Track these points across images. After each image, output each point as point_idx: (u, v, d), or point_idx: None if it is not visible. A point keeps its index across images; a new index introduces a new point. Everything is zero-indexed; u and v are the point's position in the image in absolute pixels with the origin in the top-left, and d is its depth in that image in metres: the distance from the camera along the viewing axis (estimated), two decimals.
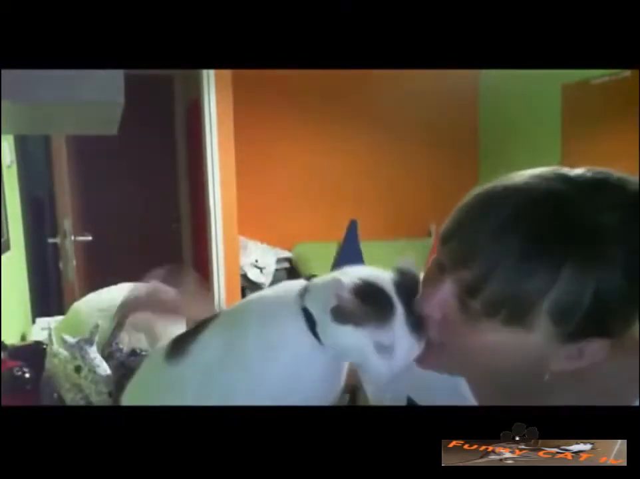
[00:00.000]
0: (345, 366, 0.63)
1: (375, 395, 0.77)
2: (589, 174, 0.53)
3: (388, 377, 0.57)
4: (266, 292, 0.67)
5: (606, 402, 0.55)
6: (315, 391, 0.61)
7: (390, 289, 0.56)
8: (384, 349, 0.55)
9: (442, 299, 0.55)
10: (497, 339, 0.53)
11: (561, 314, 0.50)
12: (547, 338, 0.52)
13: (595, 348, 0.52)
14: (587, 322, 0.50)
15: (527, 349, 0.53)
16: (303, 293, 0.60)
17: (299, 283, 0.62)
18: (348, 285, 0.55)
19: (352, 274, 0.58)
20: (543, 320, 0.50)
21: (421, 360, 0.58)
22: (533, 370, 0.55)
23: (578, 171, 0.53)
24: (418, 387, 0.70)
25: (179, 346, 0.65)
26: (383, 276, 0.58)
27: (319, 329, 0.57)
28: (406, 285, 0.58)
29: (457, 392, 0.67)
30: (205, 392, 0.61)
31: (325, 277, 0.61)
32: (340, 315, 0.55)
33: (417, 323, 0.55)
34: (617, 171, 0.53)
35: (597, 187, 0.51)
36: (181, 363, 0.63)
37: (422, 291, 0.58)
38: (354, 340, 0.55)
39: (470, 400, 0.66)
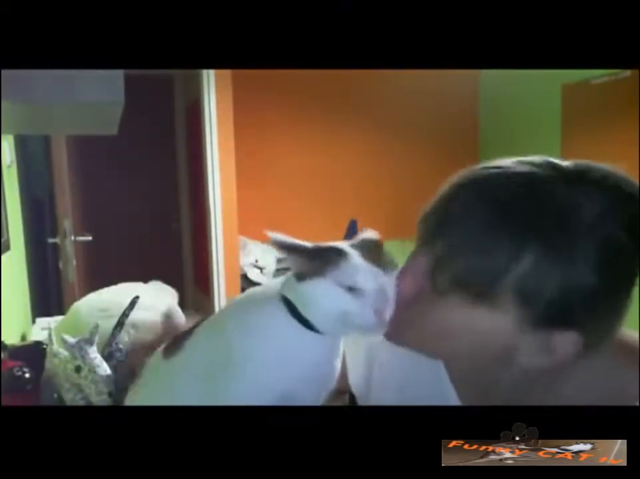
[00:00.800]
0: (338, 352, 0.63)
1: (368, 356, 0.75)
2: (572, 165, 0.52)
3: (373, 320, 0.55)
4: (256, 287, 0.69)
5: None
6: (306, 377, 0.61)
7: (339, 244, 0.59)
8: (353, 291, 0.55)
9: (414, 272, 0.55)
10: (466, 317, 0.53)
11: (526, 296, 0.49)
12: (515, 321, 0.51)
13: (564, 342, 0.51)
14: (554, 310, 0.49)
15: (496, 331, 0.52)
16: (284, 283, 0.61)
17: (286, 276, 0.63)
18: (291, 242, 0.57)
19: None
20: (510, 300, 0.50)
21: (391, 335, 0.59)
22: (503, 359, 0.55)
23: (564, 161, 0.53)
24: (401, 389, 0.70)
25: (175, 344, 0.67)
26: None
27: (298, 306, 0.58)
28: (362, 243, 0.59)
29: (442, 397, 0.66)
30: (198, 384, 0.62)
31: None
32: (301, 273, 0.57)
33: (377, 258, 0.56)
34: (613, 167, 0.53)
35: (578, 178, 0.50)
36: (177, 358, 0.65)
37: (400, 269, 0.58)
38: (323, 291, 0.55)
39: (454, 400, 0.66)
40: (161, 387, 0.67)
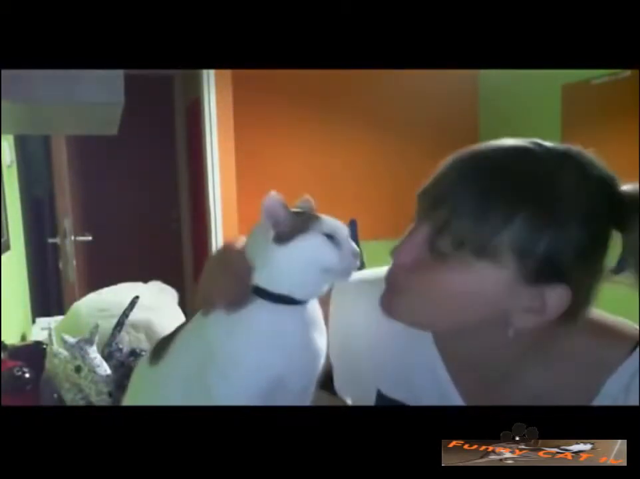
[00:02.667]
0: (320, 326, 0.64)
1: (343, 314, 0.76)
2: (560, 146, 0.58)
3: (354, 263, 0.60)
4: None
5: (575, 385, 0.60)
6: (292, 356, 0.62)
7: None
8: (332, 239, 0.60)
9: (414, 242, 0.58)
10: (465, 277, 0.56)
11: (520, 251, 0.54)
12: (512, 276, 0.55)
13: (555, 297, 0.55)
14: (546, 264, 0.54)
15: (493, 289, 0.56)
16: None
17: None
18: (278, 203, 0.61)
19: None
20: (507, 256, 0.54)
21: (388, 308, 0.61)
22: (497, 322, 0.58)
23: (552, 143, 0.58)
24: (387, 380, 0.71)
25: (159, 350, 0.67)
26: None
27: (270, 287, 0.60)
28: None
29: (433, 384, 0.68)
30: (186, 387, 0.62)
31: None
32: (280, 236, 0.60)
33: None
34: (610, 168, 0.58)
35: (565, 156, 0.56)
36: (162, 364, 0.65)
37: (399, 242, 0.61)
38: (311, 243, 0.59)
39: (447, 388, 0.67)
40: (149, 395, 0.67)
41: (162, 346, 0.67)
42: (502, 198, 0.54)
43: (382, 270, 0.69)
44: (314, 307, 0.64)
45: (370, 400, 0.73)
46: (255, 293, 0.61)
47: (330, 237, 0.60)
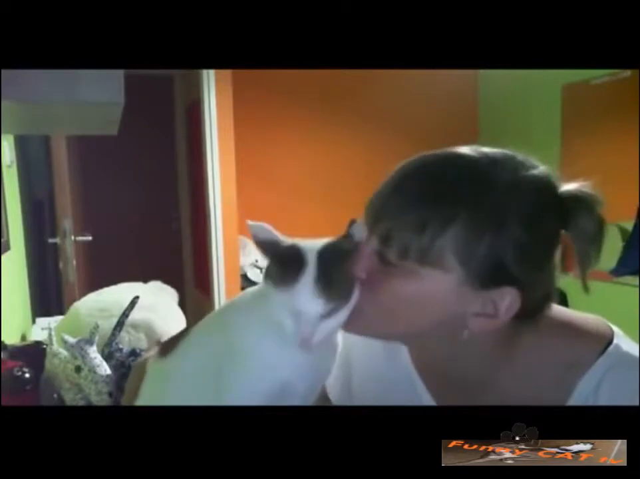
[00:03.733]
0: (332, 345, 0.63)
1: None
2: (496, 150, 0.59)
3: (299, 343, 0.56)
4: (253, 287, 0.68)
5: (548, 387, 0.60)
6: (302, 365, 0.61)
7: (309, 252, 0.56)
8: (293, 313, 0.55)
9: (364, 257, 0.58)
10: (416, 284, 0.56)
11: (463, 254, 0.54)
12: (459, 281, 0.55)
13: (506, 300, 0.56)
14: (489, 266, 0.55)
15: (444, 294, 0.57)
16: None
17: None
18: (266, 236, 0.57)
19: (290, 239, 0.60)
20: (451, 260, 0.55)
21: (348, 326, 0.60)
22: (454, 326, 0.58)
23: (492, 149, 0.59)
24: (370, 398, 0.72)
25: (171, 343, 0.67)
26: (315, 243, 0.58)
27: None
28: (334, 250, 0.57)
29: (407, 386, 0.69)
30: (197, 380, 0.62)
31: None
32: (266, 271, 0.58)
33: (327, 288, 0.54)
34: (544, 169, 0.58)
35: (499, 159, 0.57)
36: (173, 356, 0.65)
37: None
38: (273, 298, 0.56)
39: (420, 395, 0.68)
40: (156, 385, 0.67)
41: (175, 340, 0.67)
42: (438, 204, 0.54)
43: None
44: None
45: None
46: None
47: (294, 311, 0.56)
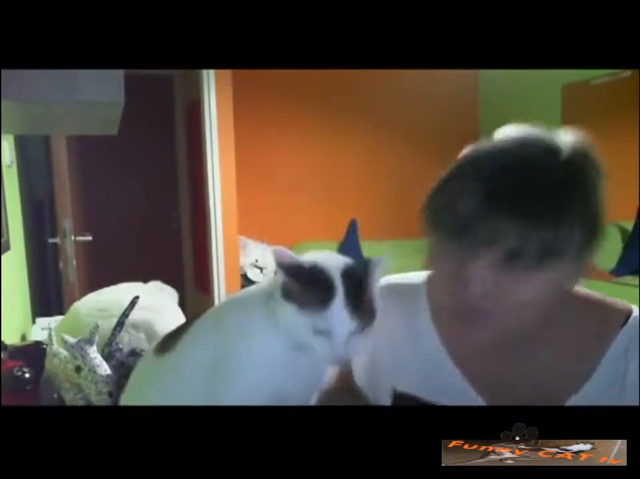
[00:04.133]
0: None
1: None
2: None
3: (332, 360, 0.57)
4: (251, 286, 0.69)
5: (577, 356, 0.65)
6: (296, 376, 0.61)
7: (335, 273, 0.56)
8: (321, 333, 0.56)
9: (484, 271, 0.58)
10: (552, 277, 0.59)
11: (580, 242, 0.58)
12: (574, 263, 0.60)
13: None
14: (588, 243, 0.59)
15: (564, 277, 0.60)
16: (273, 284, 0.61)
17: None
18: (289, 260, 0.56)
19: (306, 255, 0.59)
20: (572, 250, 0.58)
21: (485, 336, 0.63)
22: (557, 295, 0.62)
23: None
24: (403, 378, 0.73)
25: (168, 341, 0.67)
26: (333, 260, 0.58)
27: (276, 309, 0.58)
28: (355, 271, 0.58)
29: (444, 375, 0.70)
30: (191, 382, 0.62)
31: None
32: (287, 292, 0.57)
33: (357, 309, 0.56)
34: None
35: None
36: (169, 355, 0.65)
37: (454, 285, 0.61)
38: (295, 320, 0.56)
39: (458, 381, 0.70)
40: (152, 384, 0.67)
41: (171, 339, 0.67)
42: (495, 211, 0.57)
43: (408, 276, 0.75)
44: None
45: (386, 397, 0.74)
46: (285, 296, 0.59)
47: (321, 331, 0.57)
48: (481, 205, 0.57)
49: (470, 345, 0.69)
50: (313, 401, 0.65)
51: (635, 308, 0.67)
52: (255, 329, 0.60)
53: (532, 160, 0.59)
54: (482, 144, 0.63)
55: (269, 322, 0.59)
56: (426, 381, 0.71)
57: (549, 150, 0.60)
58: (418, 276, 0.76)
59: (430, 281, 0.73)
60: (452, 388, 0.70)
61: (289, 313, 0.57)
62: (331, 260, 0.59)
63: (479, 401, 0.68)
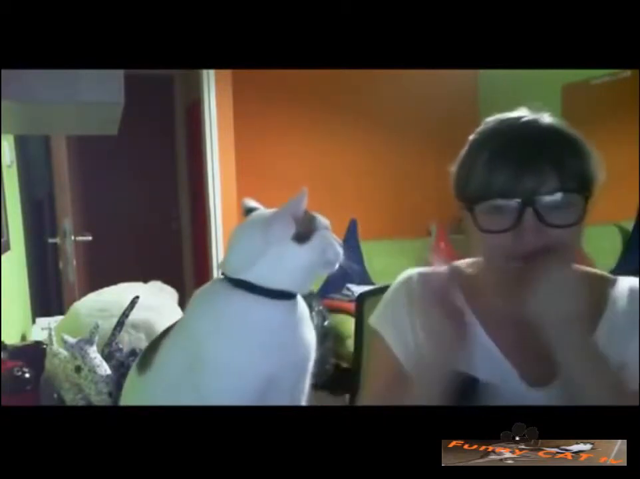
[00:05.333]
0: (306, 321, 0.66)
1: None
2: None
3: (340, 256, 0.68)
4: (201, 287, 0.71)
5: (586, 297, 0.66)
6: (280, 347, 0.63)
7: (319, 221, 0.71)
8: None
9: (532, 226, 0.66)
10: (571, 219, 0.67)
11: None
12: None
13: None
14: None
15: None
16: (238, 269, 0.65)
17: None
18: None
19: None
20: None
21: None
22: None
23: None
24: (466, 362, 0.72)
25: (145, 359, 0.68)
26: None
27: (261, 281, 0.62)
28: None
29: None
30: (177, 392, 0.63)
31: None
32: (302, 235, 0.65)
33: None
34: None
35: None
36: (149, 373, 0.66)
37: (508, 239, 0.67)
38: (326, 238, 0.66)
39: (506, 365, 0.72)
40: (140, 403, 0.67)
41: (149, 354, 0.67)
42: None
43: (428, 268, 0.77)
44: (301, 301, 0.65)
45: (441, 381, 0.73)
46: (244, 288, 0.62)
47: (329, 231, 0.66)
48: (513, 168, 0.66)
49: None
50: (303, 385, 0.66)
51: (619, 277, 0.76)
52: (226, 328, 0.62)
53: (530, 126, 0.70)
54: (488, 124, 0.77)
55: (241, 303, 0.62)
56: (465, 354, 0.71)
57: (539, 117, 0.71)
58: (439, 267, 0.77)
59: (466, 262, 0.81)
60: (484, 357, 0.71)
61: (312, 245, 0.65)
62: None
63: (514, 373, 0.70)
